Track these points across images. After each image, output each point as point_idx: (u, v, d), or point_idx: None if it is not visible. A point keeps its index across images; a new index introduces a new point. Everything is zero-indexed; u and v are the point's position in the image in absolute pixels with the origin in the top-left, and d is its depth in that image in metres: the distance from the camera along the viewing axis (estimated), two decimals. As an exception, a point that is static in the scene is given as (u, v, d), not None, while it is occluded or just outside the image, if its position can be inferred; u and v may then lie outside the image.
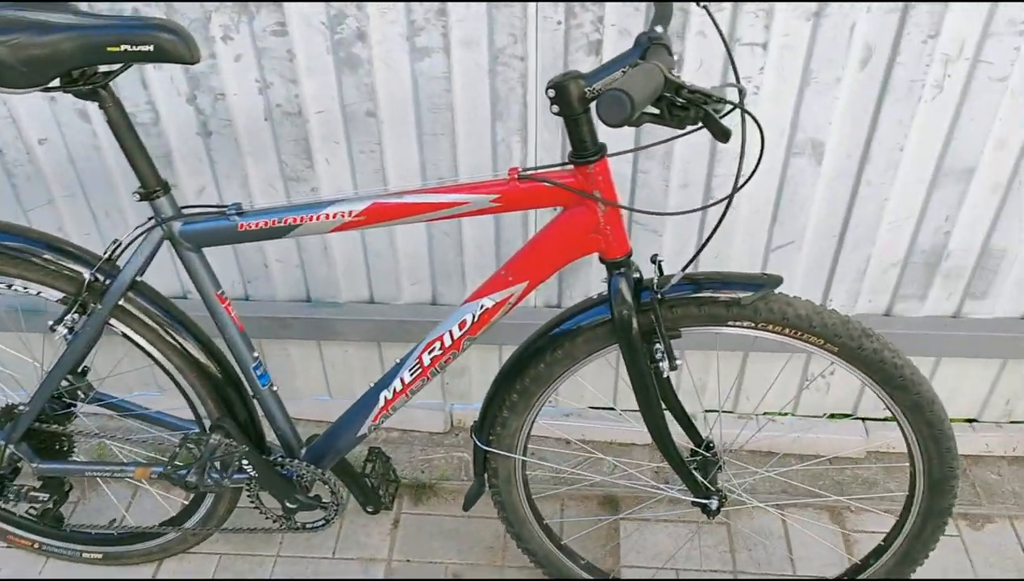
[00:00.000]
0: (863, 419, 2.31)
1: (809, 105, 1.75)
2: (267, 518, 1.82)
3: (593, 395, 2.28)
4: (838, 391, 2.26)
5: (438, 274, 2.09)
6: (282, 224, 1.47)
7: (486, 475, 1.75)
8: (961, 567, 2.03)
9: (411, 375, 1.62)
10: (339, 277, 2.11)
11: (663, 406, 1.59)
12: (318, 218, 1.45)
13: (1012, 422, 2.30)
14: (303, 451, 1.77)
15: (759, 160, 1.34)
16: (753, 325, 1.46)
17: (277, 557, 2.08)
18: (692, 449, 1.76)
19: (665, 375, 1.50)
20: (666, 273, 1.48)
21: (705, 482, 1.68)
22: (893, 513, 2.16)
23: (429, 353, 1.59)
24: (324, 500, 1.80)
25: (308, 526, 1.84)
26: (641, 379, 1.51)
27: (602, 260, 1.46)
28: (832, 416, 2.33)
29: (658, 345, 1.49)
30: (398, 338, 2.18)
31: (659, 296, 1.44)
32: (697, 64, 1.71)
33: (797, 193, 1.88)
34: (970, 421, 2.32)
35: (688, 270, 1.46)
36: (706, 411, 2.31)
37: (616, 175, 1.39)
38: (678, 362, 1.51)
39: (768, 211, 1.92)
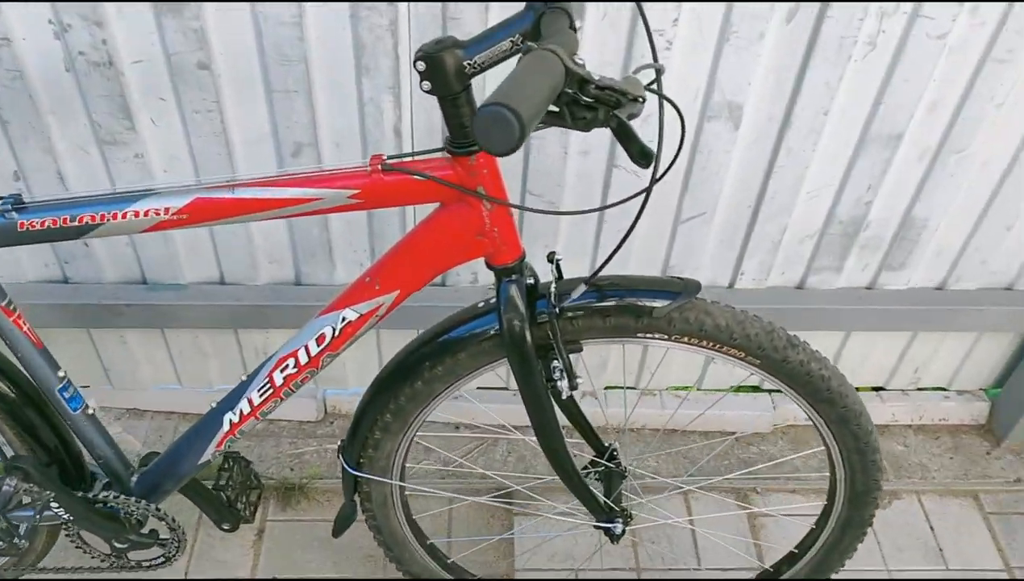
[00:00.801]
0: (770, 391, 2.17)
1: (728, 63, 1.51)
2: (93, 558, 1.53)
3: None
4: (745, 365, 2.10)
5: (301, 252, 1.79)
6: (76, 223, 1.14)
7: (358, 499, 1.51)
8: (869, 552, 1.93)
9: (261, 396, 1.34)
10: (180, 255, 1.77)
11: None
12: (124, 216, 1.13)
13: (919, 389, 2.21)
14: (134, 479, 1.48)
15: (679, 149, 1.10)
16: (666, 337, 1.24)
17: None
18: (593, 459, 1.56)
19: (565, 395, 1.27)
20: (565, 274, 1.24)
21: (608, 501, 1.48)
22: (801, 493, 2.08)
23: (281, 371, 1.31)
24: (163, 536, 1.52)
25: (145, 565, 1.55)
26: (536, 400, 1.27)
27: (489, 265, 1.20)
28: (739, 390, 2.18)
29: (556, 362, 1.26)
30: (257, 324, 1.88)
31: (554, 310, 1.20)
32: (600, 15, 1.43)
33: (711, 161, 1.66)
34: (876, 390, 2.21)
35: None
36: (607, 388, 2.13)
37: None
38: (579, 380, 1.28)
39: (678, 180, 1.70)
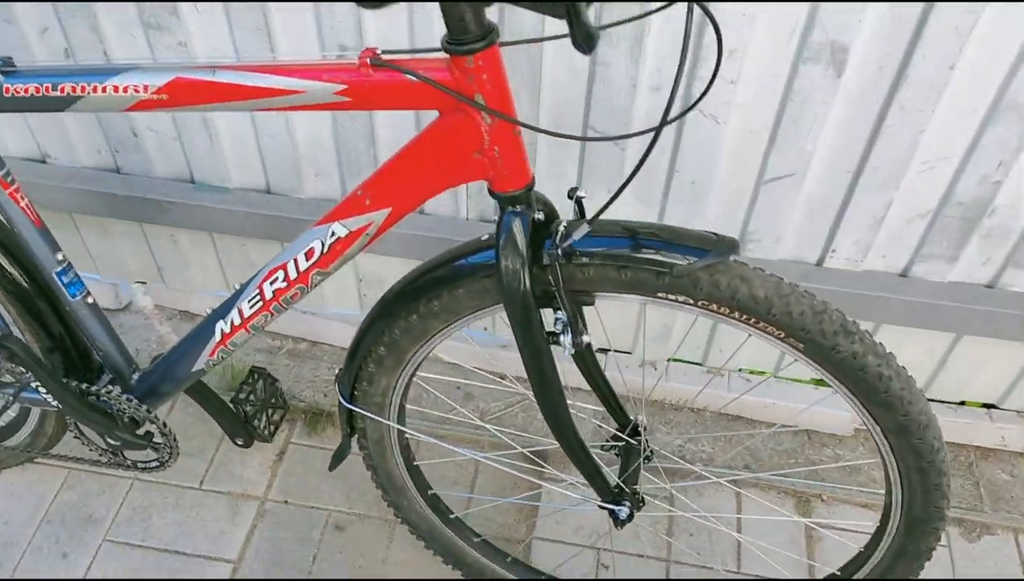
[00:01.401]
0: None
1: (832, -7, 1.26)
2: (91, 450, 1.50)
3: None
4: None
5: (347, 166, 1.68)
6: (59, 93, 1.06)
7: (353, 431, 1.40)
8: (942, 589, 1.68)
9: (251, 308, 1.25)
10: (227, 158, 1.70)
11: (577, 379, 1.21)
12: (104, 90, 1.04)
13: (1041, 414, 1.89)
14: (135, 377, 1.43)
15: (713, 78, 0.90)
16: (692, 301, 1.05)
17: (135, 480, 1.78)
18: (615, 433, 1.39)
19: (568, 352, 1.11)
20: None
21: (619, 481, 1.31)
22: (875, 509, 1.82)
23: (271, 284, 1.21)
24: (156, 440, 1.47)
25: (141, 466, 1.51)
26: (534, 355, 1.11)
27: (492, 192, 1.04)
28: (820, 383, 1.93)
29: (560, 313, 1.09)
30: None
31: (559, 251, 1.03)
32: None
33: (804, 112, 1.42)
34: (988, 407, 1.90)
35: (609, 217, 1.04)
36: (671, 360, 1.93)
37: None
38: (587, 337, 1.11)
39: (765, 132, 1.47)
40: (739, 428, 1.91)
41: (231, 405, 1.58)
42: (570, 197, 1.09)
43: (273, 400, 1.70)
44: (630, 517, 1.29)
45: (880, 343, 1.08)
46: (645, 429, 1.38)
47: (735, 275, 1.04)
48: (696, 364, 1.94)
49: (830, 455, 1.88)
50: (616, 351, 1.94)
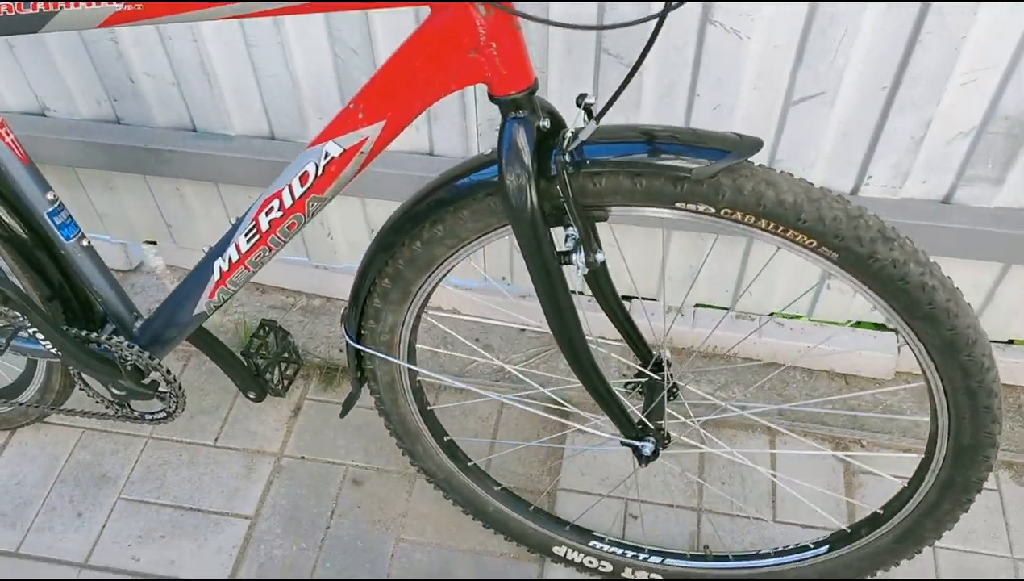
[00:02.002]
0: (897, 331, 1.81)
1: None
2: (97, 402, 1.45)
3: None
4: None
5: (352, 107, 1.61)
6: (31, 10, 1.00)
7: (363, 376, 1.34)
8: (993, 532, 1.58)
9: (248, 242, 1.19)
10: (228, 103, 1.64)
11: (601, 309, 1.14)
12: (77, 4, 0.98)
13: (1097, 350, 1.78)
14: (137, 325, 1.38)
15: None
16: (713, 210, 0.97)
17: (149, 439, 1.74)
18: (639, 369, 1.31)
19: (581, 271, 1.03)
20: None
21: (642, 417, 1.23)
22: (917, 451, 1.73)
23: (267, 214, 1.15)
24: (162, 389, 1.42)
25: (148, 417, 1.47)
26: (545, 277, 1.04)
27: (492, 97, 0.97)
28: (858, 324, 1.83)
29: (571, 229, 1.01)
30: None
31: (565, 159, 0.95)
32: None
33: (835, 23, 1.32)
34: (1039, 345, 1.79)
35: (611, 120, 0.96)
36: (697, 306, 1.85)
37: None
38: (601, 255, 1.04)
39: (792, 47, 1.37)
40: (773, 376, 1.81)
41: (242, 358, 1.53)
42: (578, 104, 1.01)
43: (286, 354, 1.64)
44: (655, 454, 1.22)
45: (922, 250, 0.99)
46: (668, 364, 1.30)
47: (760, 179, 0.95)
48: (724, 309, 1.85)
49: (869, 400, 1.79)
50: (642, 299, 1.86)
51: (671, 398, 1.30)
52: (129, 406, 1.46)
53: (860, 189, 1.55)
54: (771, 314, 1.84)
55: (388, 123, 1.01)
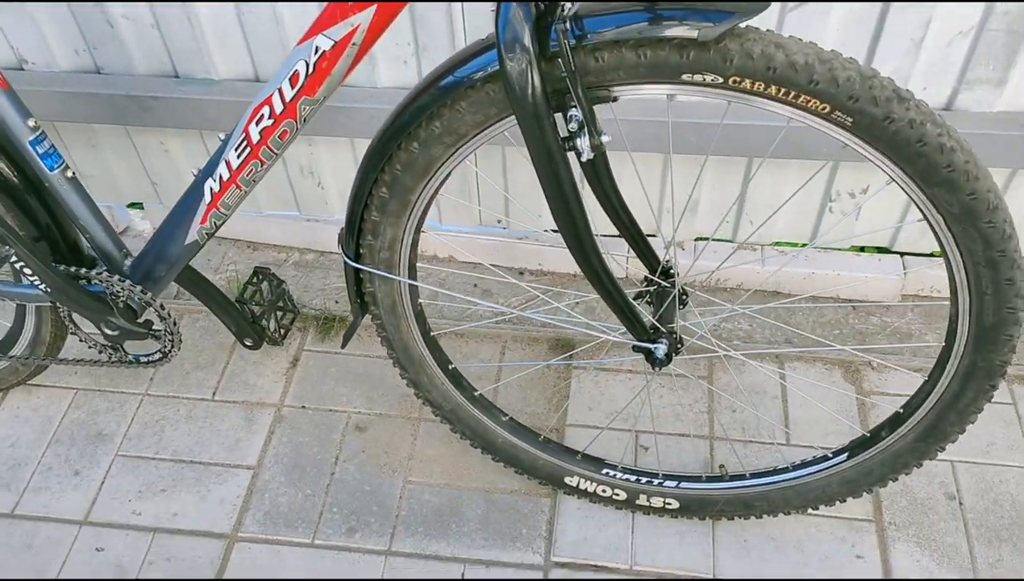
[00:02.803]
0: (901, 254, 1.79)
1: None
2: (89, 347, 1.41)
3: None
4: (872, 216, 1.72)
5: (338, 41, 1.57)
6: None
7: (363, 301, 1.30)
8: (1011, 444, 1.55)
9: (239, 156, 1.15)
10: (210, 44, 1.60)
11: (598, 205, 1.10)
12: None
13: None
14: (127, 263, 1.33)
15: None
16: (721, 80, 0.93)
17: (145, 396, 1.70)
18: (646, 276, 1.28)
19: (585, 156, 0.99)
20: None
21: (654, 320, 1.20)
22: (926, 373, 1.70)
23: (257, 124, 1.11)
24: (156, 327, 1.37)
25: (143, 360, 1.42)
26: (549, 164, 1.00)
27: (486, -29, 0.93)
28: (862, 249, 1.80)
29: (573, 110, 0.98)
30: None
31: (566, 27, 0.91)
32: None
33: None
34: (1045, 260, 1.77)
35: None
36: (697, 239, 1.82)
37: None
38: (606, 137, 1.00)
39: None
40: (778, 304, 1.78)
41: (236, 304, 1.49)
42: (574, -18, 0.97)
43: (281, 303, 1.61)
44: (668, 358, 1.18)
45: (939, 113, 0.96)
46: (675, 271, 1.26)
47: (769, 42, 0.92)
48: (726, 241, 1.82)
49: (877, 323, 1.76)
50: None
51: (680, 305, 1.26)
52: (123, 349, 1.41)
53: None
54: (773, 243, 1.81)
55: (379, 7, 0.97)
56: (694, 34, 0.90)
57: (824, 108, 0.94)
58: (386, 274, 1.23)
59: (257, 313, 1.54)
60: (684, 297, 1.27)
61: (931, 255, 1.77)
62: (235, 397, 1.68)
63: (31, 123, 1.20)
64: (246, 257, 1.95)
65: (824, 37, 1.43)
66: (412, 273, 1.26)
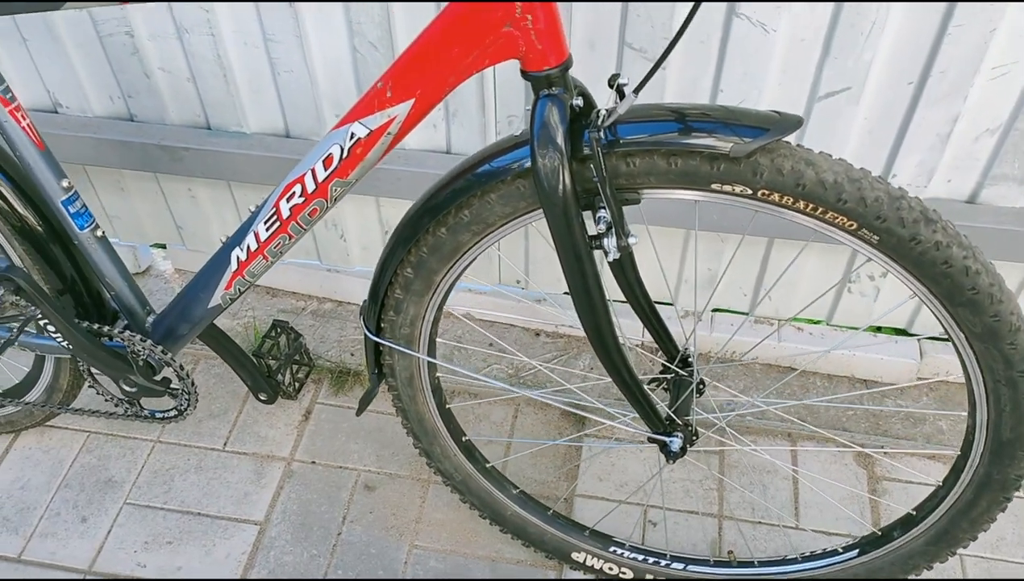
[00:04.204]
0: (918, 337, 1.78)
1: None
2: (107, 400, 1.42)
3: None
4: (890, 297, 1.72)
5: (369, 104, 1.59)
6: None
7: (381, 372, 1.31)
8: (1021, 540, 1.54)
9: (268, 230, 1.16)
10: (243, 99, 1.62)
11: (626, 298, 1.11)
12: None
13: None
14: (150, 320, 1.35)
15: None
16: (751, 192, 0.94)
17: (156, 443, 1.70)
18: (664, 364, 1.28)
19: (612, 257, 1.00)
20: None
21: (670, 412, 1.20)
22: (940, 460, 1.69)
23: (288, 200, 1.12)
24: (174, 386, 1.38)
25: (159, 416, 1.43)
26: (575, 261, 1.01)
27: (524, 74, 0.94)
28: (879, 330, 1.80)
29: (602, 211, 0.99)
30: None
31: (600, 136, 0.93)
32: None
33: (862, 15, 1.30)
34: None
35: (646, 97, 0.94)
36: (715, 311, 1.82)
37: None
38: (632, 238, 1.01)
39: (818, 39, 1.35)
40: (792, 381, 1.78)
41: (253, 358, 1.50)
42: (611, 85, 0.98)
43: (298, 357, 1.62)
44: (683, 451, 1.18)
45: (965, 234, 0.96)
46: (695, 358, 1.27)
47: (799, 158, 0.93)
48: (743, 314, 1.83)
49: (891, 406, 1.75)
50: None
51: (697, 394, 1.27)
52: (139, 404, 1.42)
53: (884, 189, 1.53)
54: (790, 319, 1.81)
55: (417, 101, 0.99)
56: (727, 148, 0.91)
57: (851, 225, 0.94)
58: (406, 350, 1.24)
59: (273, 367, 1.55)
60: (702, 386, 1.28)
61: (948, 339, 1.76)
62: (246, 448, 1.69)
63: (65, 184, 1.22)
64: (265, 303, 1.96)
65: (851, 129, 1.45)
66: (432, 349, 1.26)
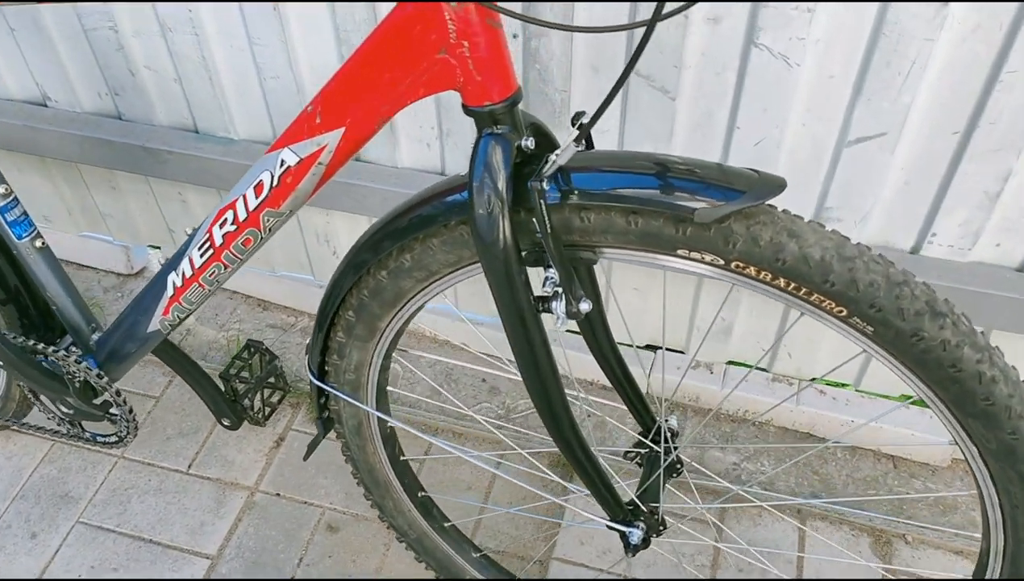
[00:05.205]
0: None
1: None
2: (48, 418, 1.33)
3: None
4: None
5: (359, 117, 1.48)
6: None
7: (329, 417, 1.19)
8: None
9: (201, 257, 1.05)
10: (230, 103, 1.53)
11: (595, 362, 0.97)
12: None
13: None
14: (95, 337, 1.26)
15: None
16: (722, 262, 0.79)
17: (120, 459, 1.62)
18: (638, 438, 1.13)
19: (560, 322, 0.86)
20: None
21: (634, 497, 1.05)
22: (970, 558, 1.50)
23: (220, 226, 1.02)
24: (113, 411, 1.29)
25: (100, 440, 1.34)
26: (519, 325, 0.87)
27: (465, 108, 0.81)
28: (912, 402, 1.61)
29: (551, 271, 0.85)
30: (315, 202, 1.59)
31: (542, 186, 0.79)
32: None
33: (900, 51, 1.13)
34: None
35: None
36: (730, 363, 1.66)
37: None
38: (585, 304, 0.86)
39: (850, 77, 1.19)
40: (809, 448, 1.61)
41: (218, 380, 1.40)
42: (574, 123, 0.84)
43: (271, 379, 1.51)
44: (645, 543, 1.03)
45: (981, 332, 0.80)
46: (674, 434, 1.12)
47: (781, 228, 0.77)
48: (761, 370, 1.66)
49: (919, 488, 1.56)
50: (668, 350, 1.68)
51: (673, 474, 1.12)
52: (80, 425, 1.34)
53: (922, 248, 1.35)
54: (812, 380, 1.63)
55: (348, 130, 0.86)
56: (692, 211, 0.76)
57: (840, 311, 0.78)
58: (350, 400, 1.12)
59: (241, 391, 1.45)
60: (679, 467, 1.12)
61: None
62: (210, 473, 1.60)
63: (2, 189, 1.13)
64: (254, 316, 1.87)
65: (885, 179, 1.27)
66: (381, 398, 1.14)
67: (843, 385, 1.63)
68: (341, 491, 1.57)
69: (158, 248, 1.96)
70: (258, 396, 1.49)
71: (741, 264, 0.79)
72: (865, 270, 0.77)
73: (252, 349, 1.51)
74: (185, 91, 1.53)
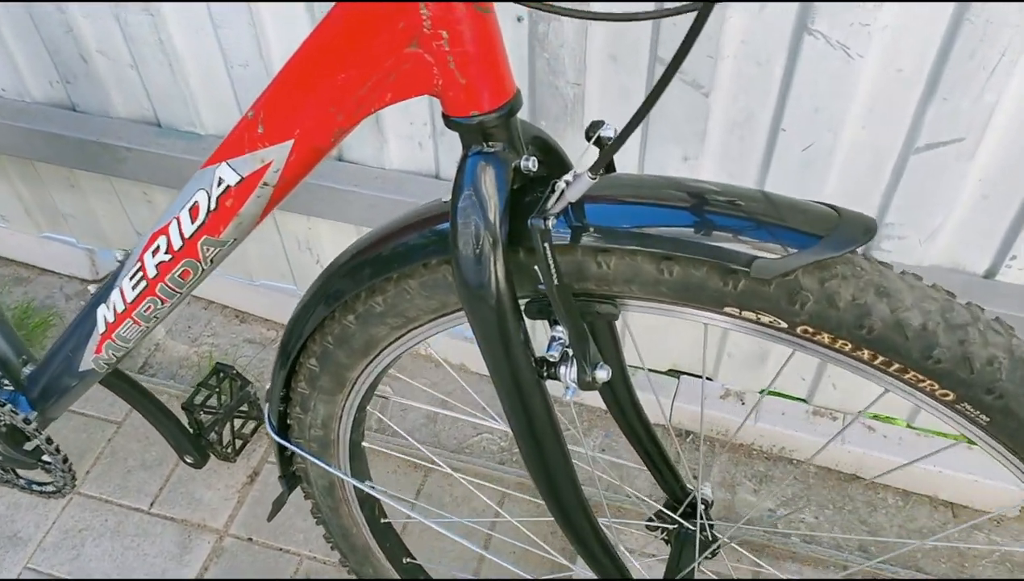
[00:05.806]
0: (1026, 454, 1.38)
1: None
2: (-22, 464, 1.15)
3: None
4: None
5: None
6: None
7: (294, 475, 1.01)
8: None
9: (133, 288, 0.86)
10: (195, 93, 1.34)
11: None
12: None
13: None
14: (26, 372, 1.07)
15: None
16: (785, 326, 0.60)
17: (75, 494, 1.44)
18: (659, 510, 0.94)
19: (570, 394, 0.66)
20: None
21: (659, 588, 0.86)
22: (1041, 624, 1.30)
23: (153, 254, 0.82)
24: (46, 459, 1.11)
25: (36, 488, 1.16)
26: (514, 392, 0.68)
27: (446, 120, 0.62)
28: (973, 443, 1.41)
29: (558, 329, 0.66)
30: (294, 207, 1.41)
31: (546, 225, 0.59)
32: None
33: (985, 45, 0.93)
34: None
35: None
36: (762, 391, 1.46)
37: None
38: (602, 372, 0.67)
39: (921, 73, 0.98)
40: (856, 493, 1.41)
41: (178, 412, 1.23)
42: (588, 137, 0.65)
43: (243, 408, 1.33)
44: (672, 646, 0.84)
45: None
46: (708, 505, 0.92)
47: (867, 283, 0.58)
48: (800, 401, 1.46)
49: (983, 541, 1.37)
50: (689, 375, 1.48)
51: (708, 555, 0.92)
52: (14, 472, 1.16)
53: (998, 272, 1.14)
54: (859, 413, 1.43)
55: (297, 144, 0.67)
56: (749, 261, 0.56)
57: (946, 395, 0.59)
58: (316, 461, 0.93)
59: (206, 423, 1.27)
60: (712, 542, 0.93)
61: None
62: (174, 513, 1.41)
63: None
64: (230, 330, 1.69)
65: (960, 192, 1.07)
66: (356, 456, 0.95)
67: (894, 420, 1.43)
68: (321, 536, 1.38)
69: (126, 251, 1.77)
70: (227, 428, 1.32)
71: (811, 330, 0.59)
72: (982, 343, 0.57)
73: (221, 374, 1.33)
74: (143, 78, 1.34)
